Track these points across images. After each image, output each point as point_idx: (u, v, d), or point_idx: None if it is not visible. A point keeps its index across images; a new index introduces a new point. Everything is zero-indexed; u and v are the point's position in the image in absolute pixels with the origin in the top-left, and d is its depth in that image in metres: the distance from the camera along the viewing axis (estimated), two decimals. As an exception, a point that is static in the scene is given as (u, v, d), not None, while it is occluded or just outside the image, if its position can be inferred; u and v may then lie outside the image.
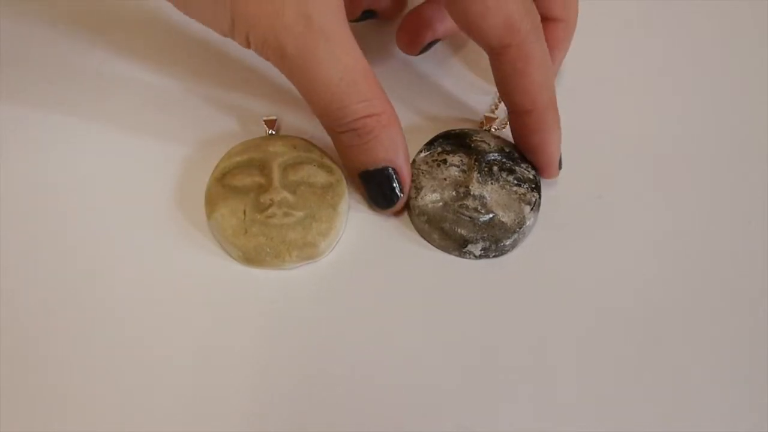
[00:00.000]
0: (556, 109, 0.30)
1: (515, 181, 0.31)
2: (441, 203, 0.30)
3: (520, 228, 0.30)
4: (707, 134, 0.34)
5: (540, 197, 0.31)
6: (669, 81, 0.36)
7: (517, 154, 0.32)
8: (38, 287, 0.29)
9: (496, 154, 0.31)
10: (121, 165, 0.32)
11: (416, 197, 0.30)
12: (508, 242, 0.30)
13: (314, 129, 0.30)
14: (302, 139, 0.31)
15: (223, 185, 0.30)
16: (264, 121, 0.32)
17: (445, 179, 0.31)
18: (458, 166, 0.31)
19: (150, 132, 0.32)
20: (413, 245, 0.31)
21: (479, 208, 0.30)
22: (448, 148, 0.32)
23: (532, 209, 0.30)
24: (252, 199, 0.30)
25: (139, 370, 0.27)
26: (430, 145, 0.32)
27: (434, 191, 0.30)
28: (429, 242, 0.31)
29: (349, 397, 0.27)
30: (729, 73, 0.36)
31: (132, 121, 0.33)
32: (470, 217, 0.30)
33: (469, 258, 0.30)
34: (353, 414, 0.27)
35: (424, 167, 0.31)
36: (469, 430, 0.27)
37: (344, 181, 0.31)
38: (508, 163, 0.31)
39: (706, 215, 0.32)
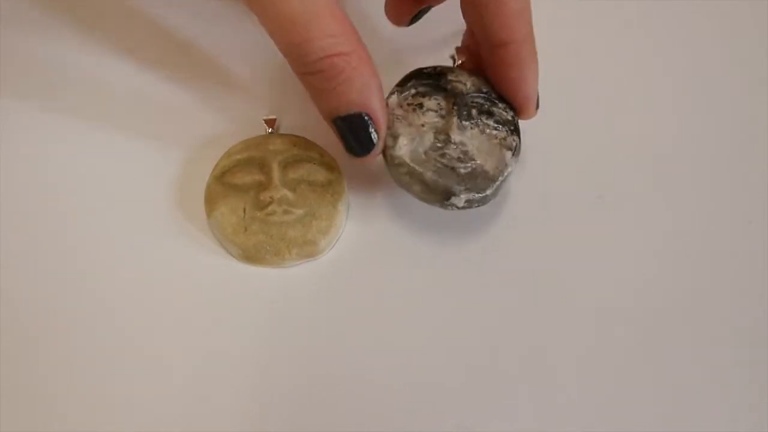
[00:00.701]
0: (533, 44, 0.28)
1: (494, 124, 0.29)
2: (421, 153, 0.28)
3: (502, 175, 0.28)
4: (707, 134, 0.34)
5: (520, 141, 0.29)
6: (669, 81, 0.36)
7: (494, 93, 0.30)
8: (38, 287, 0.29)
9: (474, 95, 0.29)
10: (121, 164, 0.32)
11: (393, 146, 0.28)
12: (490, 191, 0.28)
13: (314, 128, 0.30)
14: (302, 137, 0.31)
15: (223, 183, 0.30)
16: (264, 120, 0.32)
17: (422, 125, 0.29)
18: (436, 111, 0.29)
19: (150, 131, 0.32)
20: (413, 242, 0.30)
21: (461, 156, 0.28)
22: (423, 90, 0.30)
23: (513, 154, 0.29)
24: (252, 197, 0.30)
25: (138, 369, 0.27)
26: (402, 86, 0.30)
27: (413, 139, 0.28)
28: (409, 193, 0.29)
29: (349, 396, 0.27)
30: (729, 73, 0.36)
31: (132, 121, 0.33)
32: (452, 168, 0.28)
33: (452, 210, 0.28)
34: (353, 413, 0.27)
35: (399, 112, 0.29)
36: (470, 430, 0.27)
37: (344, 179, 0.31)
38: (486, 104, 0.29)
39: (706, 215, 0.32)
